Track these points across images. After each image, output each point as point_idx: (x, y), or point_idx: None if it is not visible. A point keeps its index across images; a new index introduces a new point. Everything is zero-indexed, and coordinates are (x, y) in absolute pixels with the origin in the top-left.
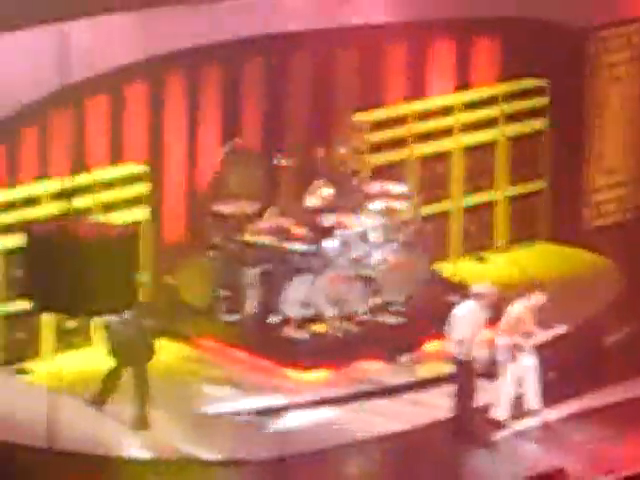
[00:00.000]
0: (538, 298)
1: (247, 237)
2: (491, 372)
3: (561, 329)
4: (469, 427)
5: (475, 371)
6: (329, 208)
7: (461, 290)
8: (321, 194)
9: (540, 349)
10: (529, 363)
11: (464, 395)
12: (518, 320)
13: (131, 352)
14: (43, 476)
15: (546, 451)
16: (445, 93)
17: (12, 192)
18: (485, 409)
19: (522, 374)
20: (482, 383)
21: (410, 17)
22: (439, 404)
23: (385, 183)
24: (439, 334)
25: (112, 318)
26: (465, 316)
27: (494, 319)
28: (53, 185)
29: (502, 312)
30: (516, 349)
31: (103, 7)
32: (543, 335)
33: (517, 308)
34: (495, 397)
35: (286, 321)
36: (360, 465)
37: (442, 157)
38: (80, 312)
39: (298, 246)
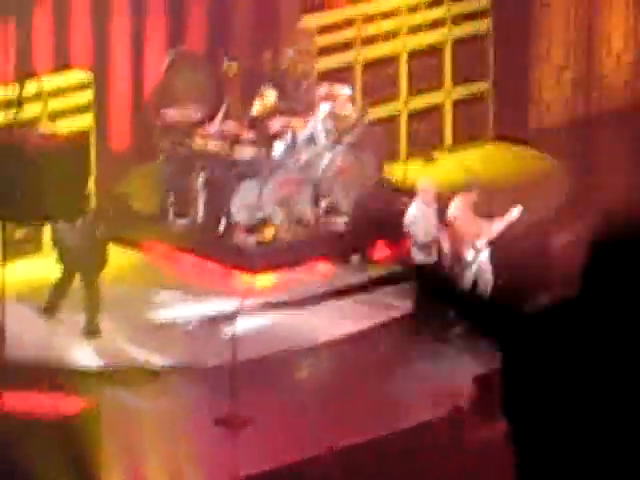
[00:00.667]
0: (469, 196)
1: (195, 142)
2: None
3: (515, 212)
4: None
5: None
6: (276, 112)
7: (410, 192)
8: (267, 99)
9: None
10: (483, 266)
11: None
12: (457, 217)
13: (82, 259)
14: None
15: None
16: None
17: None
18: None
19: (476, 276)
20: None
21: None
22: (391, 303)
23: (332, 86)
24: (388, 237)
25: (63, 225)
26: (416, 215)
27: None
28: None
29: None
30: (468, 250)
31: None
32: (498, 225)
33: (455, 204)
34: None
35: (235, 226)
36: (312, 369)
37: (389, 60)
38: (31, 219)
39: (246, 150)
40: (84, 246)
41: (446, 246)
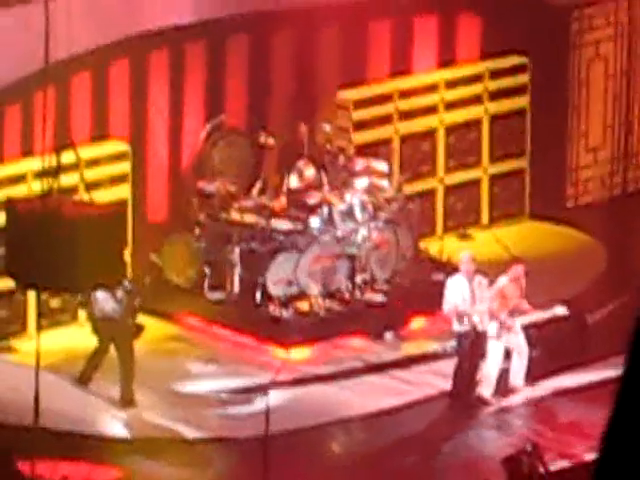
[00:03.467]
0: (518, 270)
1: (231, 215)
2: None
3: (560, 310)
4: (467, 399)
5: (478, 341)
6: (314, 186)
7: (446, 267)
8: (304, 173)
9: (526, 327)
10: (517, 341)
11: (466, 367)
12: (501, 294)
13: (117, 330)
14: (29, 454)
15: (531, 428)
16: (429, 70)
17: None
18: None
19: (510, 350)
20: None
21: None
22: (424, 381)
23: (369, 161)
24: (424, 311)
25: (99, 295)
26: (456, 288)
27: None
28: (37, 163)
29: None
30: (504, 326)
31: None
32: (541, 314)
33: (500, 283)
34: (483, 374)
35: (270, 299)
36: (345, 443)
37: (426, 135)
38: (66, 289)
39: (282, 224)
40: (118, 315)
41: (480, 319)
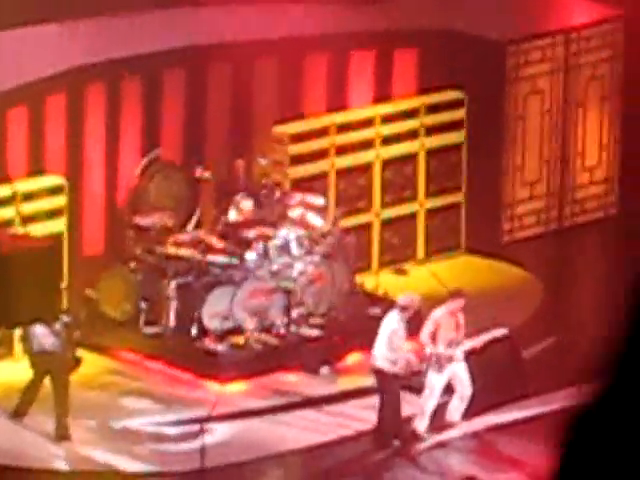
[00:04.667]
0: (455, 303)
1: (167, 249)
2: (416, 384)
3: (500, 332)
4: (391, 439)
5: (399, 382)
6: (250, 220)
7: (382, 302)
8: (241, 208)
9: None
10: (458, 371)
11: (387, 407)
12: (437, 326)
13: (53, 363)
14: None
15: (467, 462)
16: (365, 105)
17: None
18: (408, 420)
19: (449, 383)
20: (406, 395)
21: (329, 29)
22: (360, 416)
23: (305, 195)
24: (360, 347)
25: (37, 329)
26: (389, 328)
27: (415, 330)
28: None
29: (423, 323)
30: (442, 359)
31: (22, 20)
32: (481, 338)
33: (436, 314)
34: (418, 408)
35: (205, 333)
36: (280, 478)
37: (363, 169)
38: (2, 324)
39: (218, 258)
40: (58, 350)
41: (415, 357)
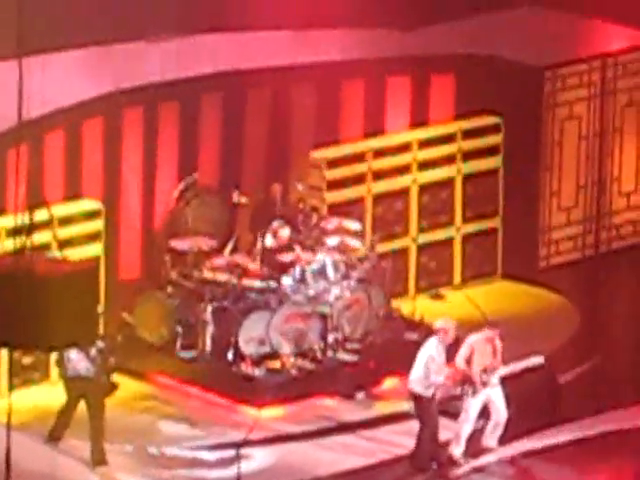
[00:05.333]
0: (492, 330)
1: (204, 274)
2: (453, 409)
3: (537, 360)
4: (429, 463)
5: (437, 407)
6: (287, 245)
7: (419, 327)
8: (279, 234)
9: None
10: (495, 397)
11: (425, 431)
12: (472, 351)
13: (89, 388)
14: None
15: None
16: (402, 130)
17: None
18: (444, 445)
19: (484, 409)
20: (443, 420)
21: (366, 54)
22: (396, 441)
23: (342, 220)
24: (396, 371)
25: (72, 354)
26: (427, 353)
27: (453, 355)
28: (10, 221)
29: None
30: (476, 384)
31: (60, 44)
32: (517, 365)
33: (471, 339)
34: (454, 433)
35: (242, 358)
36: None
37: (399, 194)
38: (38, 347)
39: (255, 282)
40: (93, 375)
41: (450, 382)
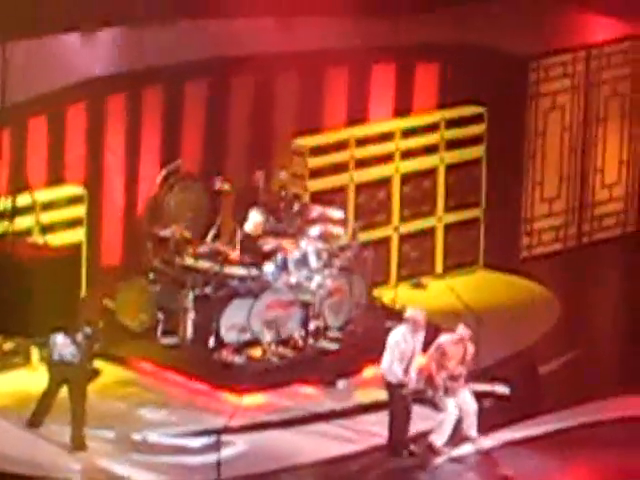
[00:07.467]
0: (463, 332)
1: (186, 261)
2: (430, 399)
3: (501, 389)
4: (401, 449)
5: (408, 395)
6: (269, 233)
7: (399, 316)
8: (250, 219)
9: (477, 378)
10: (463, 398)
11: (396, 419)
12: (443, 352)
13: (72, 373)
14: None
15: (482, 478)
16: (385, 119)
17: None
18: (425, 434)
19: (461, 403)
20: (423, 410)
21: (351, 42)
22: (376, 429)
23: (324, 208)
24: (377, 360)
25: (58, 339)
26: (393, 341)
27: (428, 345)
28: None
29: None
30: (438, 389)
31: (42, 29)
32: (480, 387)
33: (441, 340)
34: (435, 423)
35: (223, 345)
36: None
37: (382, 183)
38: (20, 333)
39: (237, 270)
40: (78, 361)
41: (421, 373)
